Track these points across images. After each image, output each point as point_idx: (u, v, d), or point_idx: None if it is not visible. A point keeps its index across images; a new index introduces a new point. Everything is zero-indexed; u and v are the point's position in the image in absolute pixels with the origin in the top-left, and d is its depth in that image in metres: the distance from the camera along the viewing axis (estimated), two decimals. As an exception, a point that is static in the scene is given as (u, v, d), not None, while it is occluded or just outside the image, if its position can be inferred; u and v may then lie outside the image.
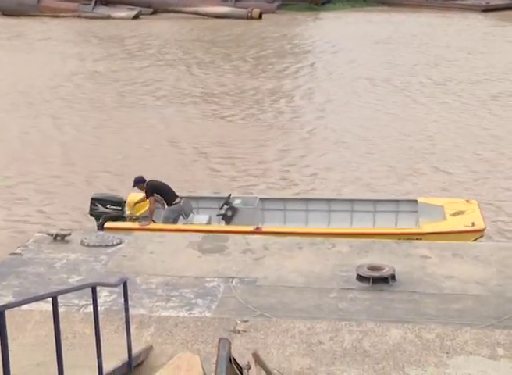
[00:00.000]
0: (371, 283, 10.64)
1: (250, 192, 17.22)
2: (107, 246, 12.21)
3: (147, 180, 14.69)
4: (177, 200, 14.65)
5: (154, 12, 46.79)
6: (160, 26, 42.47)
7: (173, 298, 10.35)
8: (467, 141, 21.63)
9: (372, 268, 10.86)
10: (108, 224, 14.31)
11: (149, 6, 46.81)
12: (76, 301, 10.02)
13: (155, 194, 14.48)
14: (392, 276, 10.73)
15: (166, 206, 14.59)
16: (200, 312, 9.88)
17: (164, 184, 14.78)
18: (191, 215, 14.96)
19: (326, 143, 21.81)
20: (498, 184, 18.22)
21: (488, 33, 39.73)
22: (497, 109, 25.00)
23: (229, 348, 7.58)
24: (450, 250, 11.77)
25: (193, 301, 10.27)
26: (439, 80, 29.10)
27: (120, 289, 9.17)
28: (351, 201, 15.47)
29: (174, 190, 14.80)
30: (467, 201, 14.95)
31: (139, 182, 14.69)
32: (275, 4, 47.46)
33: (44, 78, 30.01)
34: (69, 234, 12.52)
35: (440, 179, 18.63)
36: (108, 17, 45.06)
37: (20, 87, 28.51)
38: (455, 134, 22.20)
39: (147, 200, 14.54)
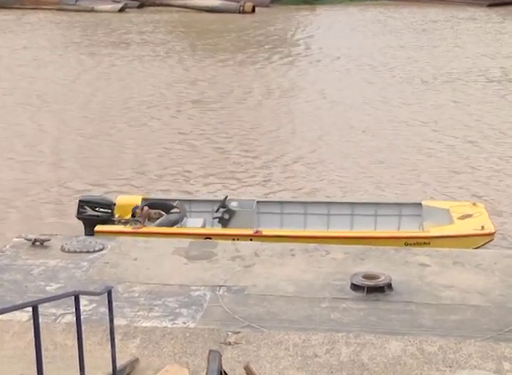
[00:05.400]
0: (365, 293, 10.25)
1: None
2: (88, 252, 11.75)
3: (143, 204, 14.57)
4: (175, 209, 14.42)
5: (141, 6, 45.44)
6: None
7: (156, 308, 9.96)
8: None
9: (367, 276, 10.48)
10: (98, 228, 13.92)
11: None
12: (54, 311, 9.57)
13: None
14: (389, 285, 10.34)
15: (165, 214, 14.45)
16: (184, 323, 9.50)
17: (160, 202, 14.78)
18: (184, 218, 14.60)
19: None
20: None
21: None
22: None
23: (220, 360, 7.45)
24: (451, 258, 11.40)
25: (177, 310, 9.88)
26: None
27: (100, 298, 8.86)
28: (351, 204, 15.17)
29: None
30: (474, 204, 14.74)
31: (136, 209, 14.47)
32: (270, -3, 45.82)
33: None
34: (49, 240, 12.07)
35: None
36: (92, 10, 43.85)
37: None
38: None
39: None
